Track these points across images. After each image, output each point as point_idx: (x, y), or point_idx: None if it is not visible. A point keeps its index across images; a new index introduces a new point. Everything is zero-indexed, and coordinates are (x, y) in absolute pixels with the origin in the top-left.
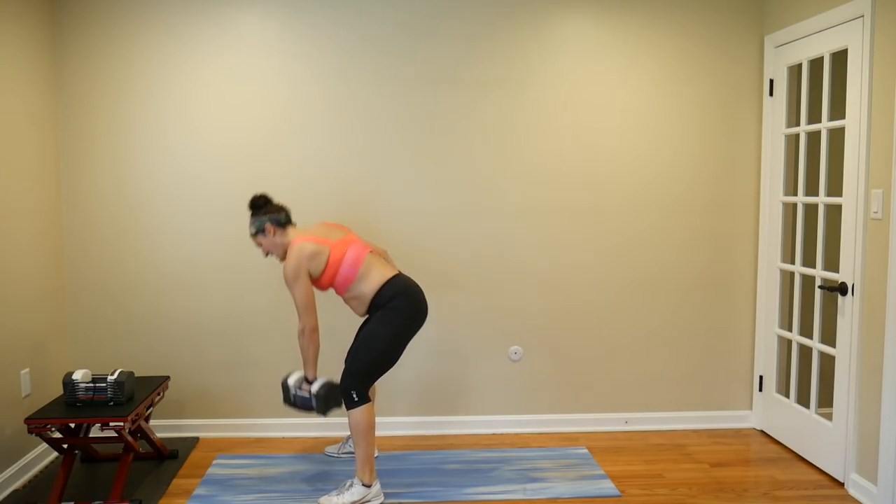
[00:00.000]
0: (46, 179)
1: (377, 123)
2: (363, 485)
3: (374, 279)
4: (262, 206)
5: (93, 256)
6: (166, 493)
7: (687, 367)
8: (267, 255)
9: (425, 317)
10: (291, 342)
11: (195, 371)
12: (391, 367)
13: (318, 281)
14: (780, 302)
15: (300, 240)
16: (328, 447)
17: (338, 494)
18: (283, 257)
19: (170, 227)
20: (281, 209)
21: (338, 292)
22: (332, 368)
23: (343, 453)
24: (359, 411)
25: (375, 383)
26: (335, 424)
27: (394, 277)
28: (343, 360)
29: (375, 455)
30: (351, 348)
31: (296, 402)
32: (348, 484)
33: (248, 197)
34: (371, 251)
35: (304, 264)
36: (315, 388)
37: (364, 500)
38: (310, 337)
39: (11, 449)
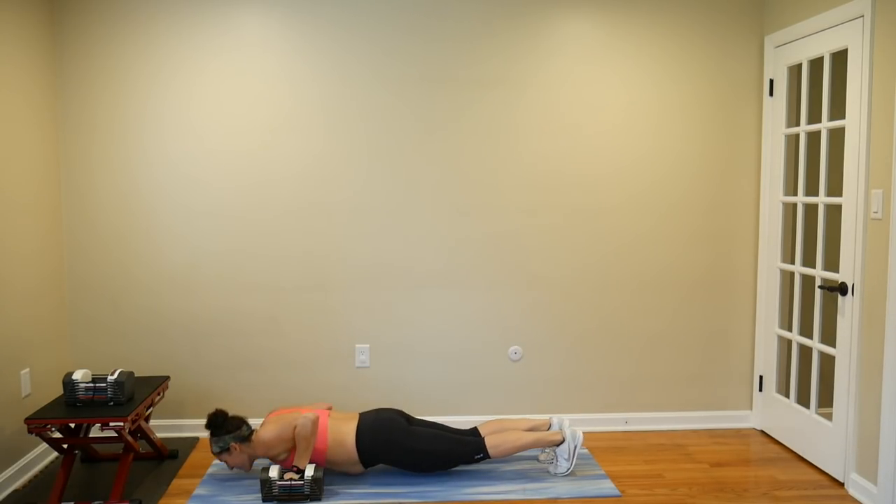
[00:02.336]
0: (47, 180)
1: (377, 123)
2: (559, 445)
3: (345, 435)
4: (221, 425)
5: (93, 257)
6: (166, 493)
7: (687, 367)
8: (232, 468)
9: (397, 417)
10: (290, 342)
11: (195, 371)
12: (437, 430)
13: (290, 458)
14: (780, 302)
15: (271, 416)
16: (539, 457)
17: (558, 463)
18: (250, 467)
19: (170, 228)
20: (241, 422)
21: (318, 464)
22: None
23: (547, 461)
24: (493, 453)
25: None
26: None
27: (359, 424)
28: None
29: (567, 426)
30: (429, 469)
31: (280, 494)
32: (552, 453)
33: (249, 197)
34: (327, 411)
35: (278, 439)
36: (310, 472)
37: (572, 451)
38: (313, 427)
39: (11, 449)
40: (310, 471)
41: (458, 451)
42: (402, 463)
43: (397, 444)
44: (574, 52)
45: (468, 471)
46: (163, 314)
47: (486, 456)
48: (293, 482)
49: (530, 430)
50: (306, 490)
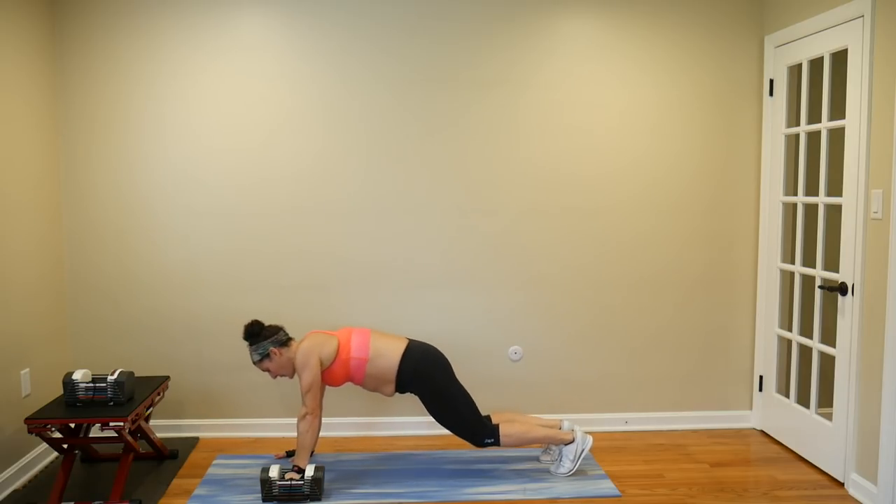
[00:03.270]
0: (47, 180)
1: (377, 123)
2: (568, 444)
3: (391, 353)
4: (259, 333)
5: (93, 256)
6: (166, 493)
7: (687, 367)
8: (276, 377)
9: (448, 363)
10: None
11: (195, 371)
12: (471, 400)
13: (331, 370)
14: (780, 302)
15: (308, 334)
16: (541, 457)
17: (560, 464)
18: (293, 374)
19: (170, 228)
20: (279, 329)
21: (356, 380)
22: None
23: (547, 459)
24: (504, 442)
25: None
26: (335, 425)
27: (407, 348)
28: None
29: (571, 427)
30: (445, 422)
31: (280, 494)
32: (558, 452)
33: (249, 197)
34: (372, 330)
35: (317, 351)
36: (310, 472)
37: (578, 454)
38: (311, 421)
39: (11, 449)
40: (310, 471)
41: (477, 426)
42: (429, 401)
43: (437, 381)
44: (574, 53)
45: (468, 471)
46: (163, 314)
47: (496, 443)
48: (293, 482)
49: (541, 426)
50: (306, 490)
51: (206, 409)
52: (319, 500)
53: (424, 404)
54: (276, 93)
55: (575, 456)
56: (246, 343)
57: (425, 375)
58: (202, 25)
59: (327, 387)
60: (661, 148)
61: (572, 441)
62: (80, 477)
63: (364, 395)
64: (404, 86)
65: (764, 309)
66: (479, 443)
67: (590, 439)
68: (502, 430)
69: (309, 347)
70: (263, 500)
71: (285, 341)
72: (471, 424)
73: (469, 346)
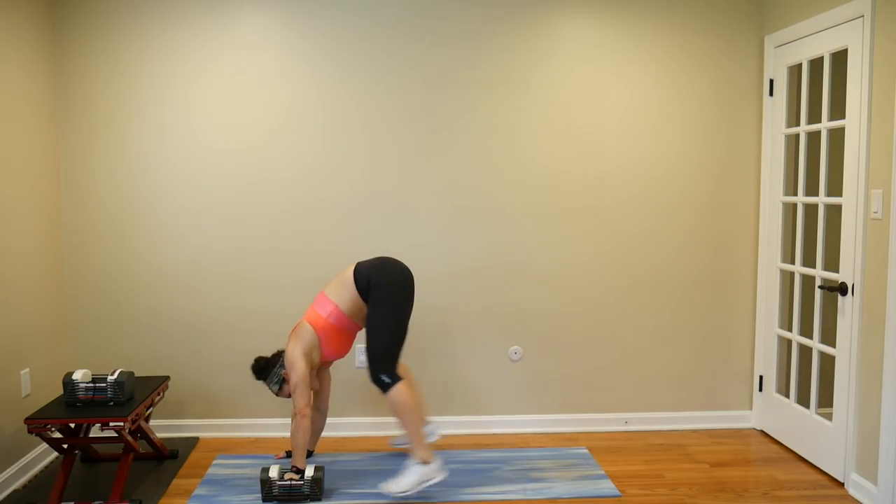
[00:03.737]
0: (47, 180)
1: (377, 123)
2: (421, 464)
3: (345, 286)
4: (265, 366)
5: (93, 257)
6: (166, 493)
7: (687, 367)
8: (291, 396)
9: (409, 282)
10: None
11: (195, 371)
12: (405, 338)
13: (328, 346)
14: (780, 302)
15: (290, 343)
16: (395, 439)
17: (399, 479)
18: (315, 383)
19: (170, 228)
20: (277, 354)
21: (353, 327)
22: None
23: (399, 443)
24: (395, 392)
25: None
26: (335, 425)
27: (356, 267)
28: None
29: (438, 435)
30: (368, 335)
31: (280, 494)
32: (407, 466)
33: (249, 197)
34: (323, 289)
35: (299, 347)
36: (310, 472)
37: (425, 478)
38: (300, 421)
39: (11, 449)
40: (310, 471)
41: (386, 359)
42: (370, 308)
43: (383, 291)
44: (574, 53)
45: (468, 471)
46: (163, 313)
47: (385, 390)
48: (293, 482)
49: (421, 421)
50: (306, 490)
51: (206, 409)
52: (319, 499)
53: (367, 312)
54: (276, 93)
55: (421, 480)
56: (260, 381)
57: (376, 288)
58: (202, 25)
59: (337, 367)
60: (661, 148)
61: (427, 463)
62: (80, 477)
63: (364, 396)
64: (404, 86)
65: (764, 309)
66: (375, 375)
67: (441, 476)
68: (399, 386)
69: (292, 348)
70: (263, 501)
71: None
72: (382, 354)
73: (469, 346)
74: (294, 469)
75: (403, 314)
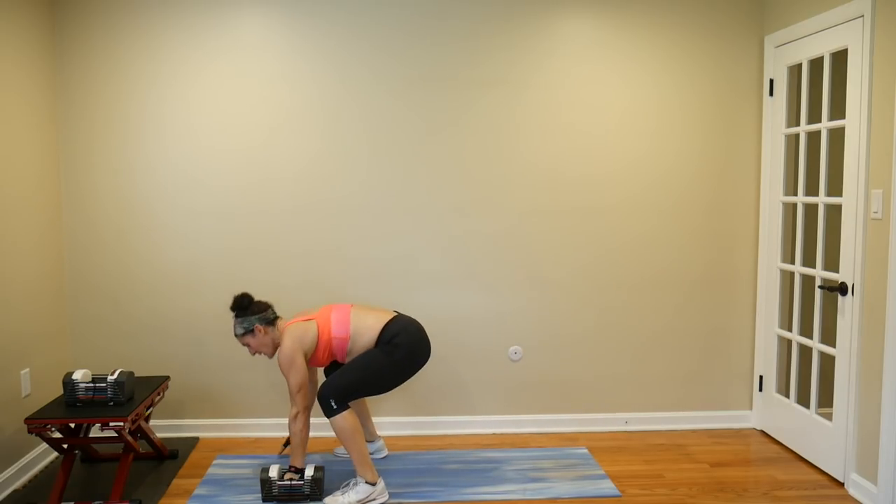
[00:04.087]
0: (47, 180)
1: (377, 123)
2: (367, 483)
3: (371, 328)
4: (247, 307)
5: (93, 256)
6: (166, 493)
7: (687, 367)
8: (254, 354)
9: (428, 354)
10: None
11: (195, 371)
12: (377, 393)
13: (315, 357)
14: (780, 302)
15: (287, 325)
16: (337, 448)
17: (343, 493)
18: (272, 353)
19: (170, 228)
20: (267, 306)
21: (339, 358)
22: None
23: (345, 455)
24: (339, 418)
25: None
26: None
27: (392, 319)
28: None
29: (384, 455)
30: (343, 366)
31: (280, 494)
32: (353, 483)
33: (249, 197)
34: (353, 305)
35: (298, 346)
36: (309, 472)
37: (369, 498)
38: (303, 421)
39: (11, 449)
40: (310, 471)
41: (342, 393)
42: (376, 352)
43: (394, 355)
44: (574, 52)
45: (468, 471)
46: (163, 313)
47: (330, 415)
48: (293, 482)
49: (364, 442)
50: (306, 490)
51: (206, 409)
52: (320, 499)
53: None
54: (276, 93)
55: (366, 499)
56: (232, 314)
57: (394, 346)
58: (202, 25)
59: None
60: (661, 148)
61: (374, 483)
62: (80, 477)
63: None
64: (404, 86)
65: (764, 309)
66: (325, 398)
67: (385, 498)
68: (346, 415)
69: (291, 346)
70: (263, 500)
71: (272, 320)
72: (345, 388)
73: (469, 346)
74: (293, 469)
75: (391, 382)
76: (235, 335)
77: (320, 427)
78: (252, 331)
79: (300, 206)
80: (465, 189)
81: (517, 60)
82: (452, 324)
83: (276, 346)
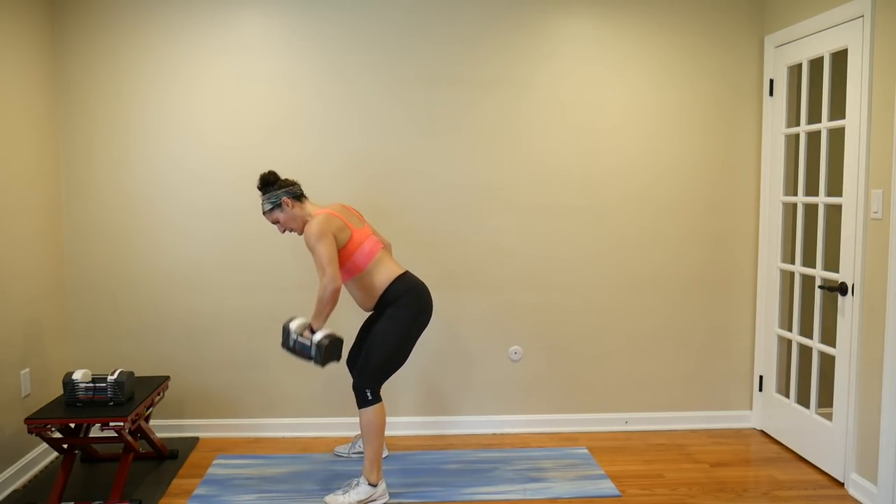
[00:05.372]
0: (46, 179)
1: (377, 123)
2: (369, 484)
3: (383, 273)
4: (273, 182)
5: (93, 256)
6: (166, 493)
7: (687, 367)
8: (284, 231)
9: (430, 315)
10: None
11: (195, 371)
12: (402, 365)
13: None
14: (780, 302)
15: (327, 212)
16: (338, 447)
17: (344, 493)
18: (302, 229)
19: (170, 227)
20: (294, 182)
21: (342, 278)
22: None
23: (354, 453)
24: (372, 410)
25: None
26: (335, 425)
27: (403, 275)
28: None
29: (385, 455)
30: (362, 347)
31: (294, 347)
32: (354, 483)
33: (248, 197)
34: (383, 247)
35: (330, 230)
36: (318, 337)
37: (370, 499)
38: (332, 296)
39: (11, 449)
40: (319, 335)
41: (375, 377)
42: (380, 323)
43: (401, 316)
44: (574, 53)
45: (468, 471)
46: (163, 313)
47: (365, 405)
48: (303, 340)
49: (382, 443)
50: (312, 353)
51: (206, 409)
52: (322, 366)
53: (369, 323)
54: (276, 92)
55: (367, 500)
56: (259, 194)
57: (400, 305)
58: (203, 25)
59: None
60: (661, 148)
61: (376, 484)
62: (80, 477)
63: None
64: (404, 86)
65: (764, 309)
66: (360, 387)
67: (385, 499)
68: (378, 407)
69: (325, 224)
70: (282, 346)
71: (299, 195)
72: (373, 371)
73: (469, 346)
74: (310, 328)
75: (408, 346)
76: (263, 212)
77: (321, 427)
78: (280, 205)
79: None
80: (464, 189)
81: (518, 61)
82: (452, 324)
83: (305, 222)
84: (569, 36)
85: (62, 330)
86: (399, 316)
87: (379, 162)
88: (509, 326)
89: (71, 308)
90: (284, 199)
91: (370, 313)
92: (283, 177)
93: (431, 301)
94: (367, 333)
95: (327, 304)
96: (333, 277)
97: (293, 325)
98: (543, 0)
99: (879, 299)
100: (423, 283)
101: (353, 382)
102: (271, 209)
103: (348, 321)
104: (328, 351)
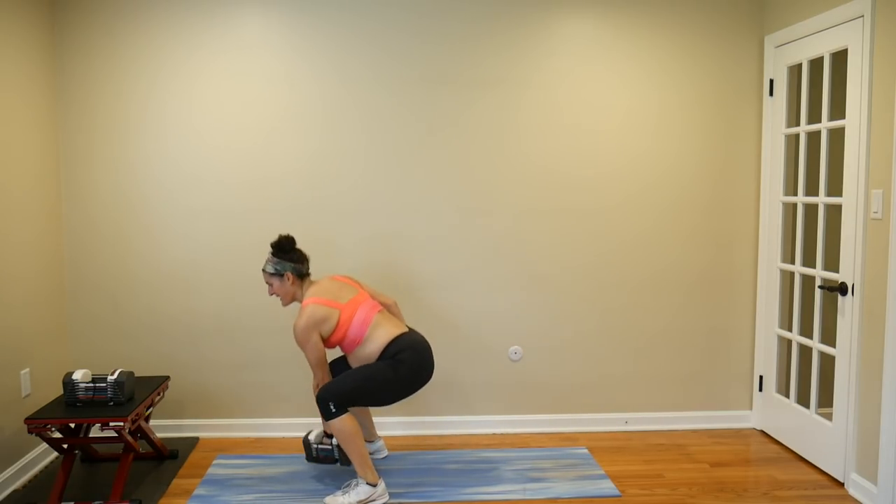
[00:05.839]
0: (46, 179)
1: (377, 123)
2: (368, 484)
3: (380, 338)
4: (288, 251)
5: (93, 256)
6: (166, 493)
7: (687, 367)
8: (272, 295)
9: (430, 374)
10: (292, 341)
11: (195, 371)
12: (375, 405)
13: (325, 341)
14: (780, 302)
15: (312, 301)
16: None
17: (344, 493)
18: (287, 303)
19: (170, 228)
20: (305, 259)
21: (345, 351)
22: None
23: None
24: (338, 422)
25: None
26: None
27: (402, 335)
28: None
29: (385, 455)
30: (347, 371)
31: (318, 456)
32: (354, 483)
33: (249, 196)
34: (380, 310)
35: (314, 327)
36: (336, 441)
37: (370, 498)
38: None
39: (11, 449)
40: (336, 440)
41: (350, 400)
42: (380, 365)
43: (397, 370)
44: (574, 52)
45: (468, 471)
46: (163, 313)
47: (328, 417)
48: (324, 447)
49: (362, 444)
50: (336, 455)
51: (206, 409)
52: (348, 465)
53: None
54: (275, 92)
55: (367, 500)
56: (269, 252)
57: (398, 361)
58: (203, 25)
59: None
60: (661, 148)
61: (375, 484)
62: (80, 477)
63: None
64: (404, 85)
65: (764, 309)
66: (324, 400)
67: (385, 499)
68: (345, 418)
69: (307, 325)
70: (306, 460)
71: (303, 275)
72: (345, 394)
73: (469, 346)
74: (327, 434)
75: (391, 396)
76: (264, 270)
77: (321, 427)
78: (282, 275)
79: (300, 205)
80: (464, 189)
81: (518, 61)
82: (452, 323)
83: (294, 299)
84: (569, 35)
85: (62, 330)
86: (393, 366)
87: (378, 162)
88: (509, 326)
89: (71, 308)
90: (288, 273)
91: None
92: (298, 246)
93: (432, 360)
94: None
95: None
96: (321, 378)
97: (311, 437)
98: (544, 0)
99: (879, 299)
100: (424, 342)
101: (318, 396)
102: (272, 273)
103: None
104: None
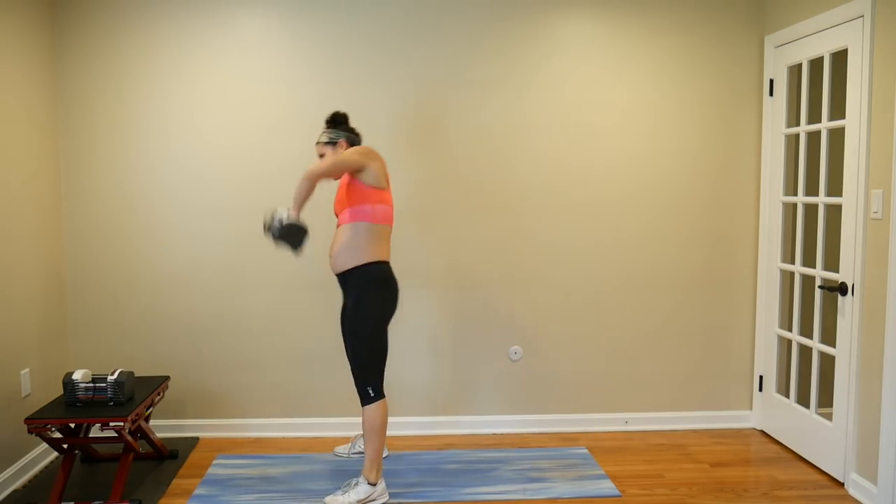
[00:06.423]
0: (47, 179)
1: (376, 124)
2: (369, 483)
3: (378, 249)
4: (343, 122)
5: (93, 256)
6: (166, 493)
7: (687, 367)
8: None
9: (397, 295)
10: (292, 341)
11: (195, 371)
12: (387, 350)
13: (353, 176)
14: (780, 302)
15: (375, 160)
16: (337, 448)
17: (343, 493)
18: (338, 177)
19: (170, 227)
20: (357, 133)
21: (351, 219)
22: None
23: (354, 454)
24: (373, 407)
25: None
26: (335, 425)
27: (387, 262)
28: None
29: (385, 455)
30: (346, 345)
31: (271, 231)
32: (354, 482)
33: (249, 196)
34: (391, 225)
35: (366, 155)
36: (284, 215)
37: (369, 498)
38: (310, 179)
39: (11, 449)
40: (285, 214)
41: (372, 372)
42: (350, 319)
43: (374, 302)
44: (574, 53)
45: (468, 471)
46: (163, 313)
47: (370, 401)
48: (276, 224)
49: (383, 441)
50: (273, 226)
51: (206, 409)
52: (275, 240)
53: (344, 321)
54: (276, 93)
55: (367, 499)
56: (324, 126)
57: (366, 291)
58: (203, 25)
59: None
60: (661, 147)
61: (375, 484)
62: (80, 477)
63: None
64: (404, 86)
65: (764, 309)
66: (360, 386)
67: (385, 499)
68: (380, 404)
69: (365, 149)
70: (264, 231)
71: (355, 142)
72: (365, 367)
73: (469, 346)
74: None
75: (382, 325)
76: (318, 142)
77: (321, 427)
78: (335, 144)
79: None
80: (464, 189)
81: (518, 61)
82: (453, 324)
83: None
84: (569, 36)
85: (62, 330)
86: (365, 303)
87: None
88: (509, 326)
89: (71, 308)
90: (342, 140)
91: (344, 303)
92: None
93: (397, 285)
94: (345, 331)
95: (301, 190)
96: (324, 171)
97: (276, 213)
98: (543, 0)
99: (879, 299)
100: (394, 277)
101: (356, 383)
102: (326, 142)
103: None
104: (287, 229)
